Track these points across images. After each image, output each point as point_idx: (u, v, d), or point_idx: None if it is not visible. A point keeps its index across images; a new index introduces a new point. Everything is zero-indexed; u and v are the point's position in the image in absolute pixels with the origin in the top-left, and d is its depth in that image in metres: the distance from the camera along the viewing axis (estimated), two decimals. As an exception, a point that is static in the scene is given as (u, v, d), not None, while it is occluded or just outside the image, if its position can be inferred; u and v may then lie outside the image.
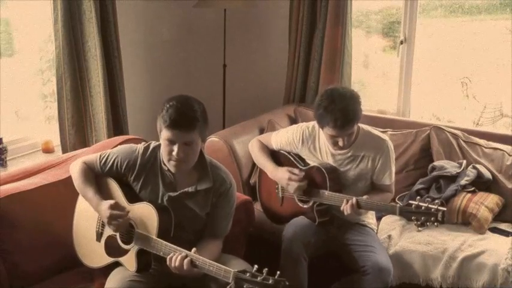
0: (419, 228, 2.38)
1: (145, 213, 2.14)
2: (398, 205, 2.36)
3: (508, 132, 3.33)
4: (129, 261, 2.17)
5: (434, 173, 3.00)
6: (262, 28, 4.11)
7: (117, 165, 2.26)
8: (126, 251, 2.18)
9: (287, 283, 1.77)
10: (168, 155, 2.13)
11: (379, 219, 2.89)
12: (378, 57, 3.99)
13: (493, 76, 3.67)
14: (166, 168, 2.21)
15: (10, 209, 2.29)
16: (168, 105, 2.10)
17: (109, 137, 3.08)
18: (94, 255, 2.29)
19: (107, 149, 2.50)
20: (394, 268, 2.56)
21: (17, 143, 3.13)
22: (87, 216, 2.30)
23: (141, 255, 2.14)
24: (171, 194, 2.20)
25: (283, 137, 2.75)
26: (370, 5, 3.87)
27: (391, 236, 2.75)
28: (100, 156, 2.30)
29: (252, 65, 4.19)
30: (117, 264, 2.23)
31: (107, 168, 2.28)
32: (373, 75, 4.04)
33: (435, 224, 2.24)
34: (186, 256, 1.98)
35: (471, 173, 2.96)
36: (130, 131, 3.35)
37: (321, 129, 2.62)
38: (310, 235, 2.56)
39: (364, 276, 2.47)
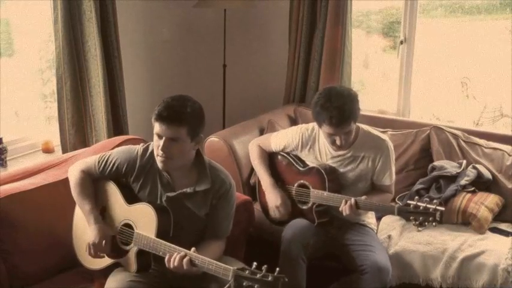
0: (419, 228, 2.38)
1: (144, 213, 2.14)
2: (396, 205, 2.36)
3: (508, 132, 3.33)
4: (129, 261, 2.16)
5: (434, 173, 3.00)
6: (262, 28, 4.11)
7: (117, 167, 2.26)
8: (125, 252, 2.18)
9: (286, 279, 1.77)
10: (156, 150, 2.15)
11: (379, 219, 2.88)
12: (378, 57, 3.99)
13: (493, 76, 3.67)
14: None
15: (10, 209, 2.28)
16: (162, 101, 2.13)
17: (109, 137, 3.08)
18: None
19: (107, 149, 2.51)
20: (394, 268, 2.56)
21: (17, 143, 3.13)
22: (86, 218, 2.30)
23: (141, 255, 2.14)
24: (170, 194, 2.20)
25: (283, 139, 2.75)
26: (370, 5, 3.87)
27: (391, 236, 2.75)
28: (99, 160, 2.30)
29: (252, 65, 4.19)
30: (117, 265, 2.23)
31: (107, 171, 2.28)
32: (373, 75, 4.04)
33: (433, 224, 2.25)
34: (185, 255, 1.98)
35: (471, 173, 2.96)
36: (131, 131, 3.34)
37: (320, 131, 2.63)
38: (309, 236, 2.56)
39: (362, 276, 2.47)
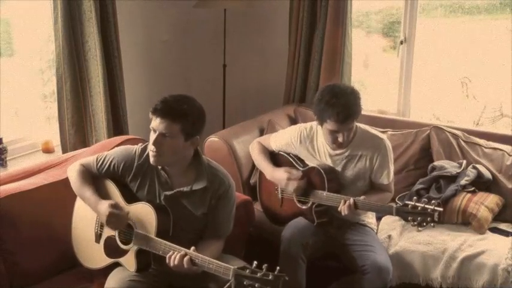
0: (419, 228, 2.38)
1: (143, 213, 2.14)
2: (394, 206, 2.36)
3: (508, 132, 3.33)
4: (129, 261, 2.17)
5: (434, 173, 3.00)
6: (262, 28, 4.11)
7: (114, 166, 2.27)
8: (125, 252, 2.18)
9: (287, 278, 1.77)
10: (149, 145, 2.15)
11: (379, 219, 2.88)
12: (378, 57, 3.99)
13: (493, 76, 3.67)
14: (160, 167, 2.22)
15: (10, 208, 2.29)
16: (163, 96, 2.13)
17: (109, 137, 3.08)
18: (93, 256, 2.29)
19: (107, 149, 2.51)
20: (394, 268, 2.56)
21: (17, 143, 3.13)
22: (86, 218, 2.31)
23: (141, 255, 2.14)
24: (167, 193, 2.20)
25: (282, 138, 2.76)
26: (370, 5, 3.87)
27: (391, 236, 2.75)
28: (97, 158, 2.30)
29: (252, 65, 4.19)
30: (116, 264, 2.23)
31: (104, 170, 2.28)
32: (373, 75, 4.04)
33: (431, 224, 2.25)
34: (186, 254, 1.98)
35: (471, 173, 2.96)
36: (130, 131, 3.35)
37: (318, 130, 2.63)
38: (309, 236, 2.56)
39: (363, 276, 2.47)
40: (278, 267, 1.79)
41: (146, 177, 2.24)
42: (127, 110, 3.34)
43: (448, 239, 2.68)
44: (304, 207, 2.63)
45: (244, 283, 1.80)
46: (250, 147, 2.89)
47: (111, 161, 2.27)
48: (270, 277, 1.76)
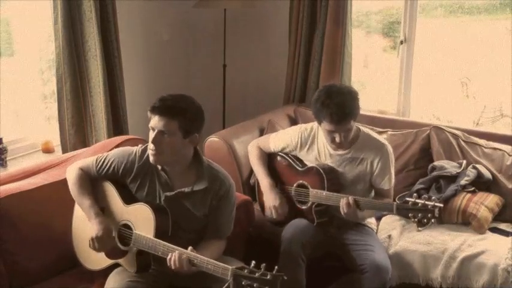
0: (419, 228, 2.38)
1: (142, 214, 2.14)
2: (395, 203, 2.36)
3: (508, 132, 3.32)
4: (129, 262, 2.17)
5: (434, 173, 3.00)
6: (262, 28, 4.11)
7: (114, 168, 2.26)
8: (125, 252, 2.18)
9: (285, 277, 1.77)
10: (149, 143, 2.15)
11: (379, 219, 2.89)
12: (378, 57, 3.99)
13: (493, 76, 3.67)
14: (160, 168, 2.22)
15: (10, 208, 2.29)
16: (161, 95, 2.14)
17: (109, 137, 3.08)
18: (93, 257, 2.29)
19: (107, 149, 2.51)
20: (394, 268, 2.56)
21: (17, 143, 3.13)
22: (86, 219, 2.30)
23: (141, 255, 2.14)
24: (168, 193, 2.20)
25: (282, 139, 2.76)
26: (370, 5, 3.87)
27: (391, 236, 2.75)
28: (96, 160, 2.30)
29: (252, 65, 4.19)
30: (116, 265, 2.23)
31: (104, 172, 2.28)
32: (373, 75, 4.04)
33: (432, 220, 2.24)
34: (184, 255, 1.98)
35: (471, 173, 2.96)
36: (130, 131, 3.34)
37: (319, 131, 2.63)
38: (309, 236, 2.56)
39: (362, 275, 2.47)
40: (276, 267, 1.79)
41: (146, 178, 2.24)
42: (127, 110, 3.34)
43: (448, 239, 2.68)
44: (304, 207, 2.63)
45: (243, 283, 1.80)
46: (249, 149, 2.89)
47: (112, 163, 2.27)
48: (269, 277, 1.76)
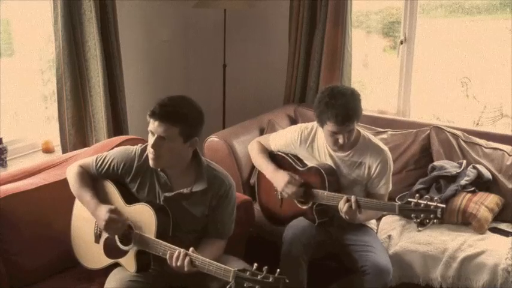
0: (420, 228, 2.38)
1: (143, 214, 2.14)
2: (397, 203, 2.36)
3: (508, 132, 3.32)
4: (129, 262, 2.17)
5: (434, 173, 3.00)
6: (262, 28, 4.11)
7: (113, 167, 2.26)
8: (125, 252, 2.18)
9: (287, 280, 1.77)
10: (148, 147, 2.14)
11: (379, 219, 2.88)
12: (378, 57, 3.99)
13: (493, 76, 3.67)
14: (159, 169, 2.22)
15: (10, 209, 2.29)
16: (160, 98, 2.12)
17: (109, 137, 3.08)
18: (93, 257, 2.29)
19: (107, 149, 2.51)
20: (394, 268, 2.56)
21: (17, 143, 3.13)
22: (85, 218, 2.30)
23: (141, 255, 2.14)
24: (167, 194, 2.20)
25: (282, 138, 2.76)
26: (370, 5, 3.87)
27: (391, 236, 2.75)
28: (96, 159, 2.30)
29: (252, 65, 4.19)
30: (116, 264, 2.23)
31: (103, 171, 2.28)
32: (373, 75, 4.04)
33: (434, 221, 2.24)
34: (186, 256, 1.98)
35: (471, 173, 2.96)
36: (130, 131, 3.35)
37: (319, 131, 2.63)
38: (310, 236, 2.55)
39: (363, 277, 2.47)
40: (278, 270, 1.79)
41: (146, 178, 2.24)
42: (127, 110, 3.34)
43: (448, 239, 2.68)
44: (304, 207, 2.63)
45: (245, 285, 1.80)
46: (249, 146, 2.88)
47: (111, 162, 2.27)
48: (271, 279, 1.76)
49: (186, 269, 1.97)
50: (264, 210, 2.84)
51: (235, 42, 4.05)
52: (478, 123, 3.72)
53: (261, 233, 2.86)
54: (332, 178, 2.56)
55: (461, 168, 2.99)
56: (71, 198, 2.35)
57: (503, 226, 2.85)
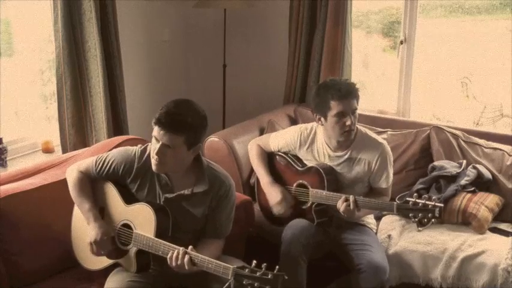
0: (419, 228, 2.37)
1: (143, 213, 2.14)
2: (395, 202, 2.36)
3: (508, 132, 3.33)
4: (129, 262, 2.17)
5: (434, 173, 3.00)
6: (262, 28, 4.11)
7: (114, 169, 2.26)
8: (125, 252, 2.18)
9: (286, 277, 1.78)
10: (152, 152, 2.14)
11: (378, 219, 2.89)
12: (378, 57, 3.99)
13: (493, 76, 3.67)
14: None
15: (10, 209, 2.28)
16: (165, 105, 2.11)
17: (109, 137, 3.08)
18: (93, 257, 2.28)
19: (107, 149, 2.51)
20: (394, 268, 2.56)
21: (17, 143, 3.13)
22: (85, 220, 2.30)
23: (140, 255, 2.14)
24: (168, 195, 2.20)
25: (282, 139, 2.76)
26: (370, 5, 3.87)
27: (391, 236, 2.75)
28: (96, 161, 2.29)
29: (252, 65, 4.19)
30: (116, 265, 2.23)
31: (104, 173, 2.27)
32: (373, 75, 4.05)
33: (432, 220, 2.24)
34: (186, 254, 1.98)
35: (471, 173, 2.95)
36: (130, 131, 3.35)
37: (318, 131, 2.64)
38: (309, 236, 2.55)
39: (359, 275, 2.46)
40: (277, 267, 1.80)
41: (146, 178, 2.24)
42: (127, 110, 3.34)
43: (448, 239, 2.68)
44: (303, 207, 2.63)
45: (244, 282, 1.80)
46: (249, 147, 2.88)
47: (111, 164, 2.26)
48: (269, 276, 1.77)
49: (186, 267, 1.97)
50: (264, 210, 2.84)
51: (235, 42, 4.05)
52: (478, 123, 3.73)
53: (261, 233, 2.86)
54: (331, 178, 2.56)
55: (461, 168, 2.99)
56: (71, 199, 2.34)
57: (503, 226, 2.85)
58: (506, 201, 2.92)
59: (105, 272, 2.23)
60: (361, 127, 2.65)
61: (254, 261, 1.82)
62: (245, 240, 2.74)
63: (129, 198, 2.22)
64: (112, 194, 2.26)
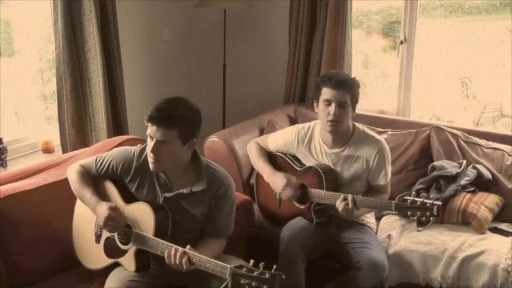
0: (419, 228, 2.37)
1: (142, 213, 2.14)
2: (394, 201, 2.36)
3: (508, 132, 3.33)
4: (128, 261, 2.17)
5: (434, 173, 3.00)
6: (262, 28, 4.11)
7: (112, 167, 2.27)
8: (124, 252, 2.18)
9: (283, 276, 1.78)
10: (148, 151, 2.14)
11: (378, 219, 2.89)
12: (378, 57, 3.99)
13: (493, 76, 3.67)
14: None
15: (10, 209, 2.29)
16: (156, 102, 2.12)
17: (109, 137, 3.08)
18: (93, 257, 2.29)
19: (107, 149, 2.51)
20: (394, 268, 2.56)
21: (17, 143, 3.13)
22: (86, 218, 2.31)
23: (140, 255, 2.14)
24: (167, 194, 2.20)
25: (280, 139, 2.76)
26: (370, 5, 3.87)
27: (391, 235, 2.75)
28: (96, 159, 2.30)
29: (252, 65, 4.19)
30: (116, 264, 2.23)
31: (103, 171, 2.28)
32: (373, 75, 4.04)
33: (431, 219, 2.24)
34: (184, 253, 1.99)
35: (471, 173, 2.96)
36: (131, 131, 3.35)
37: (316, 130, 2.65)
38: (308, 236, 2.56)
39: (358, 272, 2.46)
40: (275, 266, 1.80)
41: (145, 178, 2.24)
42: (127, 110, 3.34)
43: (448, 239, 2.68)
44: (302, 207, 2.63)
45: (241, 282, 1.81)
46: (248, 147, 2.89)
47: (110, 162, 2.27)
48: (267, 275, 1.77)
49: (184, 267, 1.98)
50: (263, 210, 2.85)
51: (235, 42, 4.06)
52: (478, 123, 3.72)
53: (261, 232, 2.86)
54: (330, 177, 2.56)
55: (461, 168, 2.99)
56: (71, 198, 2.35)
57: (503, 226, 2.85)
58: (506, 201, 2.92)
59: (105, 271, 2.24)
60: (359, 125, 2.65)
61: (252, 261, 1.83)
62: (245, 240, 2.74)
63: (129, 198, 2.23)
64: (112, 193, 2.26)
